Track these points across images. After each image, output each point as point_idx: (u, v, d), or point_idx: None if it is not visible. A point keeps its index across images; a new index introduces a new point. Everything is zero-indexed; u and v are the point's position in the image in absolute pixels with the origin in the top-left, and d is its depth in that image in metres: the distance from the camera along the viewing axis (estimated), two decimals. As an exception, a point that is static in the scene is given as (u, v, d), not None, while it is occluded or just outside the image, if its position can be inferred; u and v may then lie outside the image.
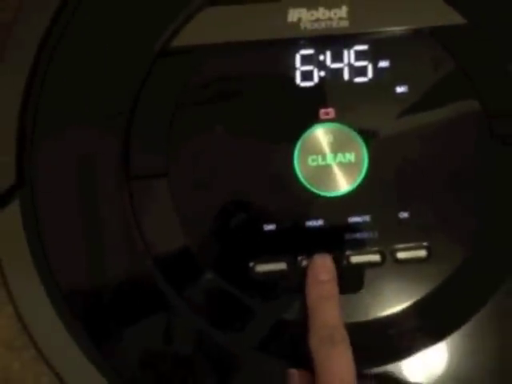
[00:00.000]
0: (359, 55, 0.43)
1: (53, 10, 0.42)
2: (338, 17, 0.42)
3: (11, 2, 0.49)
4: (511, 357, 0.42)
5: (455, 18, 0.43)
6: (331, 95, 0.43)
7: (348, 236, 0.42)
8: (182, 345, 0.42)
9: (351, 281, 0.42)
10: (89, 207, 0.42)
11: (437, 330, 0.41)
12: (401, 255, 0.42)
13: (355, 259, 0.42)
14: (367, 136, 0.42)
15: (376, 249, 0.42)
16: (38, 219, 0.41)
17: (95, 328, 0.41)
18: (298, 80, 0.43)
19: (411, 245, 0.42)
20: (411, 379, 0.41)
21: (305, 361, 0.40)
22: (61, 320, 0.41)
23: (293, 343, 0.41)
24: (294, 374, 0.39)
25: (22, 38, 0.42)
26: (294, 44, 0.43)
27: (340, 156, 0.42)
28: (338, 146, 0.42)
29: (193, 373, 0.42)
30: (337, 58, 0.43)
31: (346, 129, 0.43)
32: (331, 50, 0.43)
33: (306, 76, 0.43)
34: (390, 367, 0.41)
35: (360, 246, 0.42)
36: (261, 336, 0.42)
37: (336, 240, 0.42)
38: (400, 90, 0.43)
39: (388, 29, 0.43)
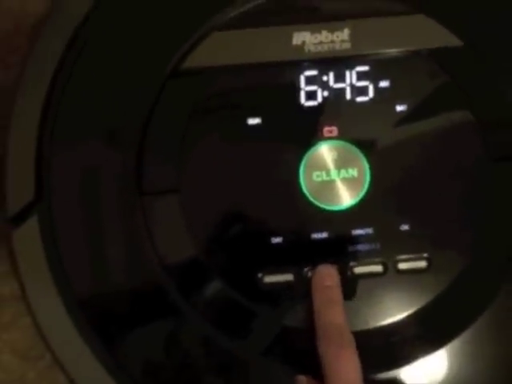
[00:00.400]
0: (361, 76, 0.44)
1: (68, 37, 0.43)
2: (340, 39, 0.43)
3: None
4: (509, 364, 0.43)
5: (452, 40, 0.44)
6: (334, 114, 0.44)
7: (351, 248, 0.43)
8: (192, 351, 0.43)
9: (354, 290, 0.42)
10: (103, 220, 0.43)
11: (436, 338, 0.42)
12: (402, 266, 0.43)
13: (358, 270, 0.42)
14: (369, 152, 0.43)
15: (378, 260, 0.43)
16: (55, 233, 0.43)
17: (109, 336, 0.43)
18: (302, 100, 0.43)
19: (412, 256, 0.43)
20: (412, 385, 0.42)
21: (310, 367, 0.40)
22: (77, 329, 0.42)
23: (299, 350, 0.42)
24: (303, 380, 0.40)
25: (41, 62, 0.44)
26: (299, 66, 0.43)
27: (343, 172, 0.43)
28: (341, 162, 0.43)
29: (201, 378, 0.43)
30: (339, 78, 0.44)
31: (348, 146, 0.43)
32: (334, 71, 0.44)
33: (310, 96, 0.44)
34: (391, 374, 0.42)
35: (363, 258, 0.43)
36: (268, 343, 0.42)
37: (340, 252, 0.43)
38: (400, 108, 0.43)
39: (388, 50, 0.44)
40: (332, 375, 0.38)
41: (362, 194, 0.43)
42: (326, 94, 0.44)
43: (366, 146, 0.43)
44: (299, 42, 0.43)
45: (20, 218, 0.43)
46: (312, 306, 0.41)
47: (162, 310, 0.43)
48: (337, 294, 0.41)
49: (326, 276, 0.42)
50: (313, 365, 0.40)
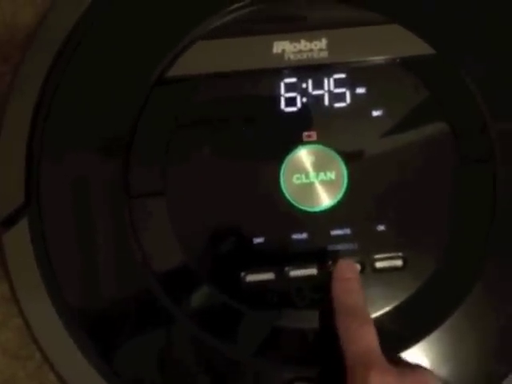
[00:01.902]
0: (338, 82, 0.45)
1: (57, 49, 0.45)
2: (318, 48, 0.44)
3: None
4: (483, 356, 0.44)
5: (425, 49, 0.45)
6: (313, 119, 0.45)
7: (330, 247, 0.44)
8: (182, 352, 0.44)
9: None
10: (91, 224, 0.44)
11: (413, 333, 0.43)
12: (379, 265, 0.44)
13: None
14: (346, 156, 0.44)
15: (356, 259, 0.44)
16: (44, 236, 0.43)
17: (98, 336, 0.43)
18: (282, 105, 0.44)
19: (388, 255, 0.44)
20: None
21: (300, 365, 0.42)
22: (66, 329, 0.43)
23: (287, 349, 0.43)
24: None
25: (31, 71, 0.45)
26: (279, 73, 0.44)
27: (322, 174, 0.44)
28: (320, 166, 0.44)
29: (193, 380, 0.43)
30: (318, 85, 0.45)
31: (327, 150, 0.44)
32: (313, 78, 0.45)
33: (290, 102, 0.44)
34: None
35: (341, 257, 0.43)
36: (256, 343, 0.43)
37: (319, 251, 0.44)
38: (376, 113, 0.45)
39: (364, 59, 0.45)
40: (350, 342, 0.39)
41: (339, 195, 0.44)
42: (305, 100, 0.45)
43: (343, 150, 0.45)
44: (279, 51, 0.44)
45: (10, 221, 0.43)
46: (304, 307, 0.43)
47: (150, 312, 0.43)
48: (356, 285, 0.42)
49: (346, 268, 0.43)
50: (302, 362, 0.43)
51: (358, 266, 0.44)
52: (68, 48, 0.45)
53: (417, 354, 0.43)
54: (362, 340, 0.39)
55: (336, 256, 0.44)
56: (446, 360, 0.44)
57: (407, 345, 0.43)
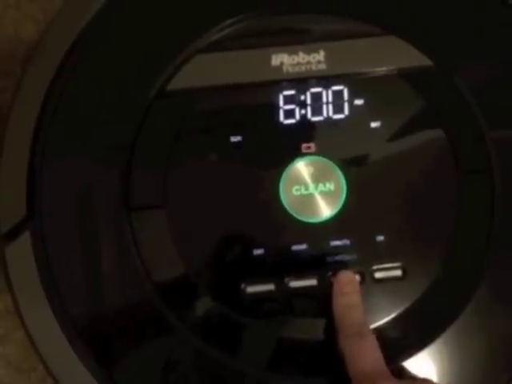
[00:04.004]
0: (336, 94, 0.45)
1: (58, 63, 0.45)
2: (316, 60, 0.45)
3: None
4: (486, 365, 0.44)
5: (422, 60, 0.45)
6: (312, 131, 0.45)
7: (330, 258, 0.44)
8: (183, 364, 0.44)
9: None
10: (93, 237, 0.44)
11: (413, 343, 0.44)
12: (378, 275, 0.44)
13: (333, 279, 0.43)
14: (345, 167, 0.45)
15: (356, 269, 0.44)
16: (46, 249, 0.43)
17: (100, 348, 0.43)
18: (281, 118, 0.45)
19: (388, 265, 0.44)
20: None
21: (304, 374, 0.43)
22: (68, 341, 0.43)
23: (285, 358, 0.43)
24: None
25: (33, 84, 0.45)
26: (278, 86, 0.45)
27: (321, 186, 0.45)
28: (319, 177, 0.45)
29: None
30: (316, 97, 0.45)
31: (325, 161, 0.45)
32: (311, 91, 0.45)
33: (289, 114, 0.45)
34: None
35: (341, 267, 0.44)
36: (254, 352, 0.44)
37: (319, 262, 0.44)
38: (374, 125, 0.45)
39: (362, 70, 0.45)
40: (354, 362, 0.40)
41: (339, 206, 0.45)
42: (303, 112, 0.45)
43: (342, 161, 0.45)
44: (278, 63, 0.45)
45: (13, 234, 0.44)
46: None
47: (151, 324, 0.44)
48: (356, 299, 0.42)
49: (345, 282, 0.43)
50: (304, 372, 0.43)
51: (358, 277, 0.44)
52: (69, 62, 0.45)
53: (418, 364, 0.44)
54: (366, 357, 0.40)
55: (336, 266, 0.44)
56: (447, 369, 0.44)
57: (408, 354, 0.44)
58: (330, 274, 0.44)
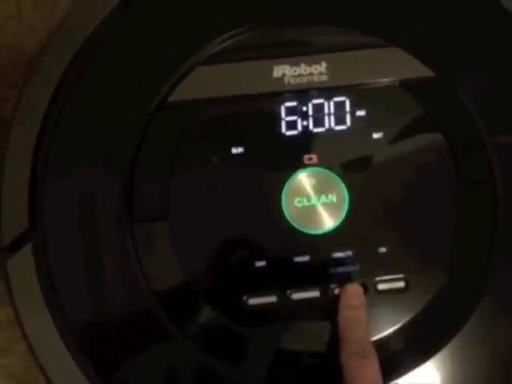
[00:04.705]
0: (338, 106, 0.45)
1: (61, 73, 0.45)
2: (318, 72, 0.45)
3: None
4: (490, 376, 0.44)
5: (424, 71, 0.45)
6: (314, 142, 0.45)
7: (332, 270, 0.44)
8: (184, 376, 0.44)
9: (336, 311, 0.43)
10: (94, 248, 0.44)
11: (416, 355, 0.43)
12: (381, 286, 0.44)
13: (339, 291, 0.43)
14: (348, 178, 0.45)
15: (358, 281, 0.44)
16: (48, 261, 0.43)
17: (102, 360, 0.43)
18: (283, 129, 0.45)
19: (391, 277, 0.44)
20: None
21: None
22: (70, 353, 0.43)
23: (287, 370, 0.43)
24: None
25: (35, 95, 0.45)
26: (279, 97, 0.45)
27: (323, 197, 0.44)
28: (321, 188, 0.44)
29: None
30: (318, 108, 0.45)
31: (327, 172, 0.45)
32: (313, 102, 0.45)
33: (291, 125, 0.45)
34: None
35: (344, 279, 0.44)
36: (256, 364, 0.43)
37: (322, 274, 0.44)
38: (376, 136, 0.45)
39: (363, 82, 0.45)
40: (355, 380, 0.40)
41: (341, 218, 0.44)
42: (305, 123, 0.45)
43: (344, 172, 0.45)
44: (279, 75, 0.45)
45: (15, 246, 0.44)
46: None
47: (152, 335, 0.44)
48: (362, 313, 0.42)
49: (353, 296, 0.43)
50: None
51: (361, 289, 0.44)
52: (71, 74, 0.45)
53: (421, 376, 0.43)
54: (366, 376, 0.40)
55: (338, 278, 0.44)
56: (451, 380, 0.44)
57: (411, 366, 0.43)
58: (332, 286, 0.44)
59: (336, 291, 0.44)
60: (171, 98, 0.45)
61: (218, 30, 0.45)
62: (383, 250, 0.44)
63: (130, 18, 0.46)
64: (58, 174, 0.45)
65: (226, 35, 0.45)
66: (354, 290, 0.43)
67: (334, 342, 0.43)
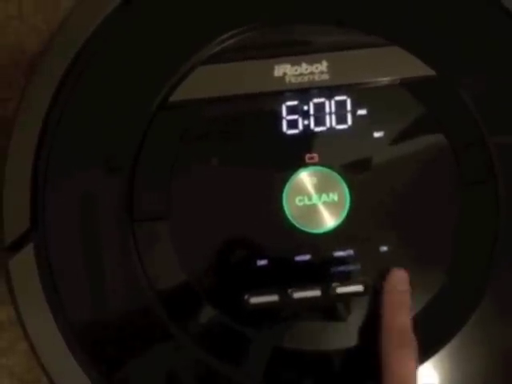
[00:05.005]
0: (339, 105, 0.45)
1: (62, 73, 0.45)
2: (319, 71, 0.45)
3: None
4: (490, 376, 0.44)
5: (425, 70, 0.45)
6: (315, 141, 0.45)
7: (333, 269, 0.44)
8: (185, 375, 0.44)
9: (337, 310, 0.44)
10: (96, 247, 0.44)
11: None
12: None
13: (340, 290, 0.43)
14: (349, 177, 0.45)
15: (359, 280, 0.44)
16: (50, 260, 0.44)
17: (103, 359, 0.44)
18: (284, 128, 0.45)
19: None
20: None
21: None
22: (71, 353, 0.43)
23: (288, 369, 0.43)
24: None
25: (37, 95, 0.45)
26: (281, 96, 0.45)
27: (324, 196, 0.44)
28: (322, 187, 0.44)
29: None
30: (319, 107, 0.45)
31: (329, 171, 0.45)
32: (314, 101, 0.45)
33: (292, 124, 0.45)
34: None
35: (345, 278, 0.44)
36: (257, 363, 0.43)
37: (323, 273, 0.44)
38: (377, 134, 0.45)
39: (365, 81, 0.45)
40: (391, 375, 0.40)
41: (342, 217, 0.44)
42: (306, 122, 0.45)
43: (345, 171, 0.45)
44: (280, 74, 0.45)
45: (16, 246, 0.44)
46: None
47: (154, 334, 0.44)
48: (406, 298, 0.42)
49: (400, 281, 0.43)
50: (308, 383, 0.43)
51: (361, 288, 0.44)
52: (72, 74, 0.45)
53: (421, 376, 0.43)
54: (406, 369, 0.40)
55: (339, 277, 0.44)
56: (450, 381, 0.44)
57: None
58: (333, 285, 0.44)
59: (337, 289, 0.44)
60: (172, 98, 0.45)
61: (219, 30, 0.45)
62: (384, 249, 0.44)
63: (131, 18, 0.46)
64: (60, 173, 0.45)
65: (227, 35, 0.45)
66: (400, 275, 0.43)
67: (336, 341, 0.43)
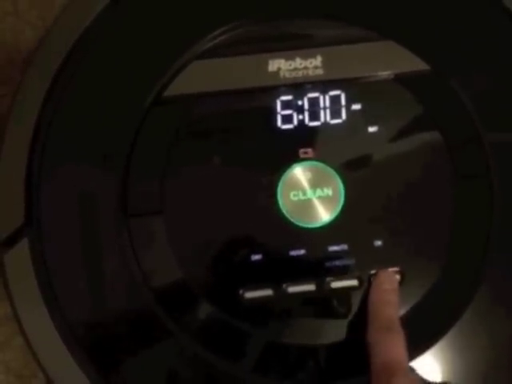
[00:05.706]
0: (333, 99, 0.45)
1: (56, 68, 0.45)
2: (313, 66, 0.45)
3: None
4: (485, 365, 0.44)
5: (419, 65, 0.45)
6: (309, 136, 0.45)
7: (328, 263, 0.44)
8: (182, 370, 0.44)
9: (332, 304, 0.44)
10: (91, 243, 0.44)
11: (413, 346, 0.42)
12: None
13: (335, 284, 0.44)
14: (343, 172, 0.45)
15: (354, 274, 0.44)
16: (45, 256, 0.44)
17: (99, 355, 0.44)
18: (279, 123, 0.45)
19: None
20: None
21: (299, 381, 0.42)
22: (68, 349, 0.43)
23: (287, 365, 0.44)
24: None
25: (31, 90, 0.45)
26: (275, 91, 0.45)
27: (319, 191, 0.45)
28: (316, 182, 0.45)
29: None
30: (313, 102, 0.45)
31: (323, 166, 0.45)
32: (308, 96, 0.45)
33: (286, 119, 0.45)
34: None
35: (339, 272, 0.44)
36: (253, 357, 0.43)
37: (317, 267, 0.44)
38: (371, 129, 0.45)
39: (359, 75, 0.45)
40: (379, 358, 0.40)
41: (336, 211, 0.44)
42: (301, 117, 0.45)
43: (340, 166, 0.45)
44: (275, 69, 0.45)
45: (11, 241, 0.44)
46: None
47: (150, 330, 0.44)
48: (393, 296, 0.43)
49: (385, 279, 0.43)
50: (302, 378, 0.43)
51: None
52: (66, 70, 0.45)
53: (420, 366, 0.43)
54: (390, 350, 0.40)
55: (334, 271, 0.44)
56: (449, 371, 0.44)
57: (409, 358, 0.42)
58: (328, 279, 0.44)
59: (332, 284, 0.44)
60: (166, 93, 0.45)
61: (212, 25, 0.45)
62: (379, 243, 0.44)
63: (124, 14, 0.46)
64: (54, 169, 0.45)
65: (220, 29, 0.45)
66: (388, 275, 0.43)
67: (331, 335, 0.43)
